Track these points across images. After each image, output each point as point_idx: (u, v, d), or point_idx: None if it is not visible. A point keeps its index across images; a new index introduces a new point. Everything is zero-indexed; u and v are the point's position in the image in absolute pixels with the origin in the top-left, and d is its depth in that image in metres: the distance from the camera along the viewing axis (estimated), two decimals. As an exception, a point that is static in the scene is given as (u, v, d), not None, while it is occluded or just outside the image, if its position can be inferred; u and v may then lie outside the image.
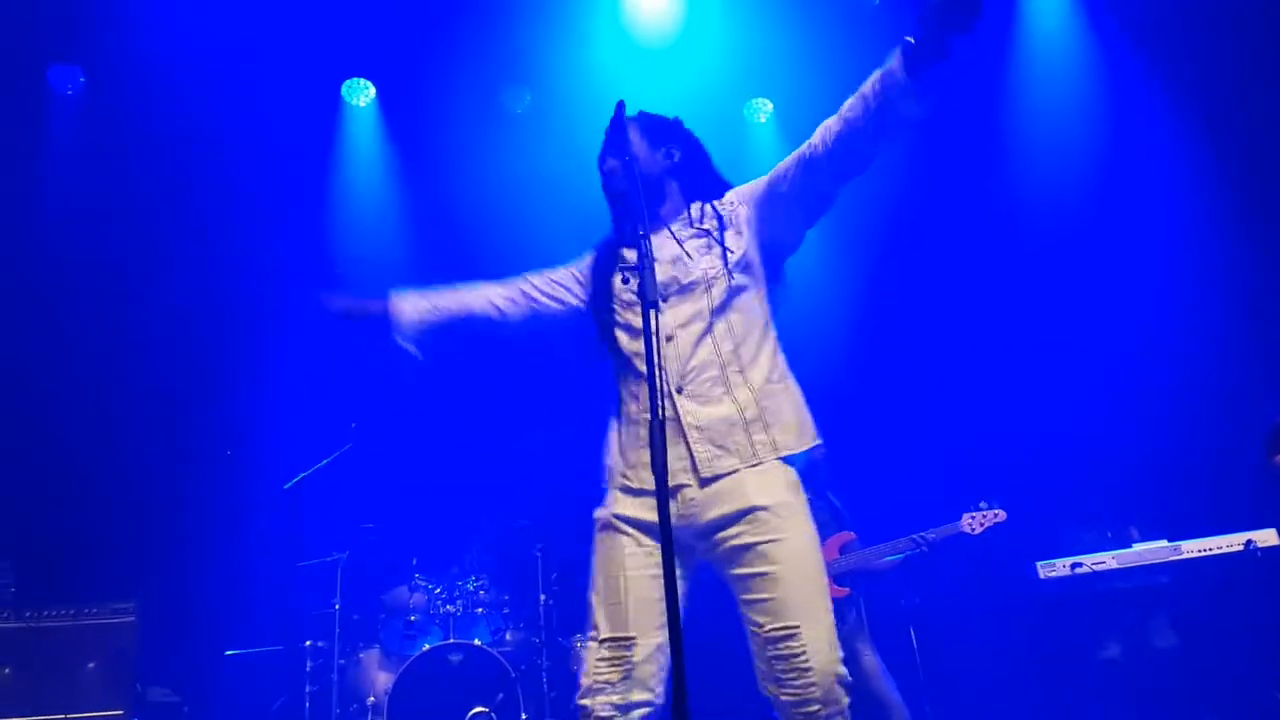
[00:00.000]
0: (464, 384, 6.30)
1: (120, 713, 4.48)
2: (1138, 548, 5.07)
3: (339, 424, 5.53)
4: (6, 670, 4.54)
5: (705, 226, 2.70)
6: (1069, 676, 5.37)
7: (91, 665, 4.61)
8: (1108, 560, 5.06)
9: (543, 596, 5.39)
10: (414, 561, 5.45)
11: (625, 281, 2.66)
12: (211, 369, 6.09)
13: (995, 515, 4.62)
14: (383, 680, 5.10)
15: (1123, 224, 6.35)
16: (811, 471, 4.76)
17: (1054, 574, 5.11)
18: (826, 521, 4.75)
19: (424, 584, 5.37)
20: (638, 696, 2.45)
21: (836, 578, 4.59)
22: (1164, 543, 5.03)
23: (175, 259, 6.10)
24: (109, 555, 5.25)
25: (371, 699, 5.04)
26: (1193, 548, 4.93)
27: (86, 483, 5.61)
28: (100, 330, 5.94)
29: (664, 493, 2.09)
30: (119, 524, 5.53)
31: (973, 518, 4.61)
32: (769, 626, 2.40)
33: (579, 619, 5.75)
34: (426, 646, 4.97)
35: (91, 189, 6.03)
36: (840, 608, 4.57)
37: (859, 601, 4.68)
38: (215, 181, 6.18)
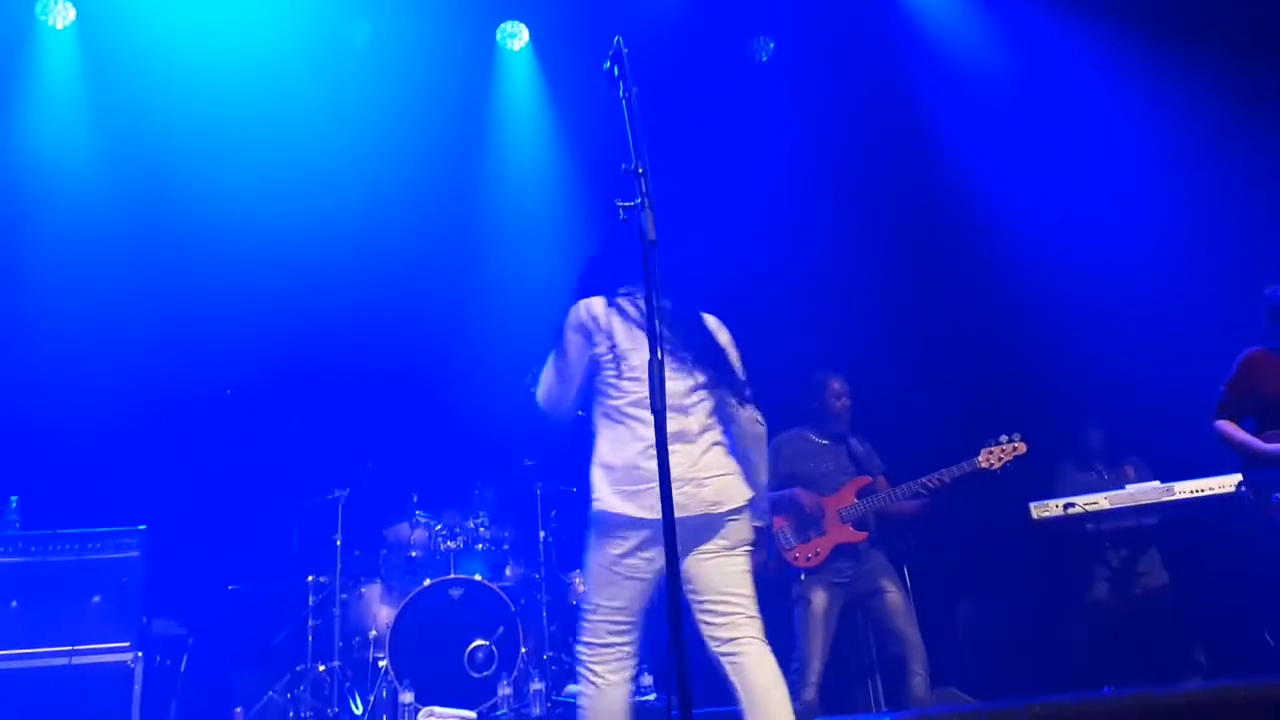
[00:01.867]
0: (466, 324, 6.29)
1: (128, 644, 4.55)
2: (1131, 489, 5.11)
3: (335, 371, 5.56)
4: (14, 603, 4.60)
5: None
6: (1061, 615, 5.45)
7: (97, 599, 4.66)
8: (1101, 501, 5.11)
9: (542, 533, 5.47)
10: (414, 499, 5.50)
11: (624, 221, 2.59)
12: (213, 308, 6.07)
13: (1015, 448, 4.53)
14: (384, 614, 5.18)
15: (1120, 164, 6.32)
16: (833, 420, 4.81)
17: (1047, 514, 5.16)
18: (844, 466, 4.77)
19: (425, 521, 5.43)
20: None
21: (855, 522, 4.62)
22: (1156, 484, 5.08)
23: (178, 199, 6.05)
24: (113, 491, 5.29)
25: (374, 632, 5.13)
26: (1185, 489, 4.98)
27: (91, 421, 5.63)
28: (103, 268, 5.91)
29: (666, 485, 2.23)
30: (123, 460, 5.55)
31: (990, 452, 4.53)
32: None
33: (577, 555, 5.84)
34: (428, 581, 5.04)
35: (91, 126, 5.99)
36: (858, 551, 4.62)
37: (879, 543, 4.73)
38: (206, 127, 6.11)
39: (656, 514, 2.70)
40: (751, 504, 3.02)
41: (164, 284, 5.96)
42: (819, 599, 4.54)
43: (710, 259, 6.34)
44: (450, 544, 5.32)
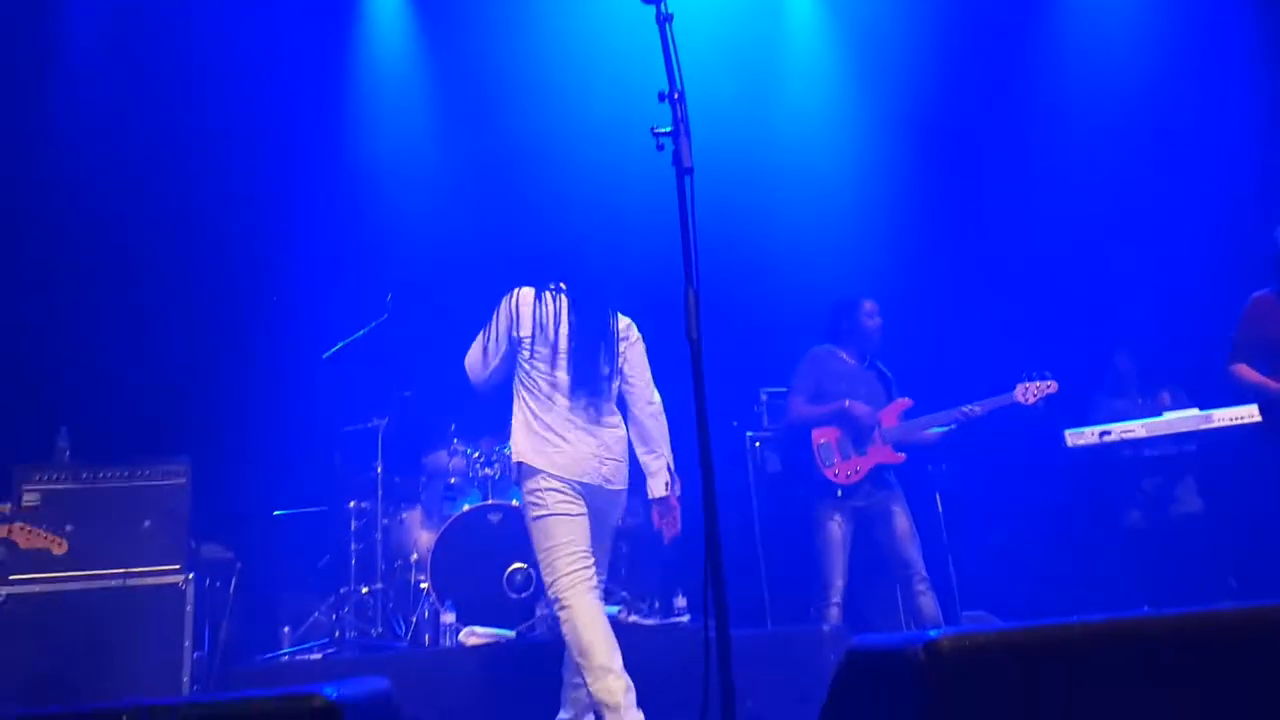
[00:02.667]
0: (502, 254, 6.31)
1: (178, 567, 4.70)
2: (1168, 416, 5.09)
3: (376, 296, 5.60)
4: (69, 528, 4.75)
5: None
6: (1094, 541, 5.47)
7: (147, 524, 4.80)
8: (1137, 429, 5.09)
9: (577, 461, 5.54)
10: (452, 427, 5.58)
11: (660, 148, 2.61)
12: (253, 238, 6.13)
13: (1048, 386, 4.61)
14: (425, 539, 5.31)
15: (1161, 82, 6.15)
16: (863, 341, 4.81)
17: (1082, 442, 5.16)
18: (878, 390, 4.78)
19: (462, 449, 5.52)
20: None
21: (895, 444, 4.66)
22: (1195, 411, 5.05)
23: (213, 132, 6.07)
24: (159, 421, 5.41)
25: (415, 556, 5.27)
26: (1224, 416, 4.94)
27: (136, 352, 5.73)
28: (147, 202, 5.96)
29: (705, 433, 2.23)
30: (169, 391, 5.66)
31: (1026, 388, 4.60)
32: None
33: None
34: (466, 507, 5.13)
35: (121, 64, 5.99)
36: (886, 475, 4.67)
37: (899, 468, 4.76)
38: (242, 56, 6.08)
39: (561, 471, 3.47)
40: (659, 472, 3.58)
41: (204, 218, 6.01)
42: (841, 521, 4.59)
43: (743, 181, 6.31)
44: (487, 471, 5.40)
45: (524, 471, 3.53)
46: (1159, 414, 5.15)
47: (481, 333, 3.69)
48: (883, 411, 4.69)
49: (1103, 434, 5.12)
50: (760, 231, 6.52)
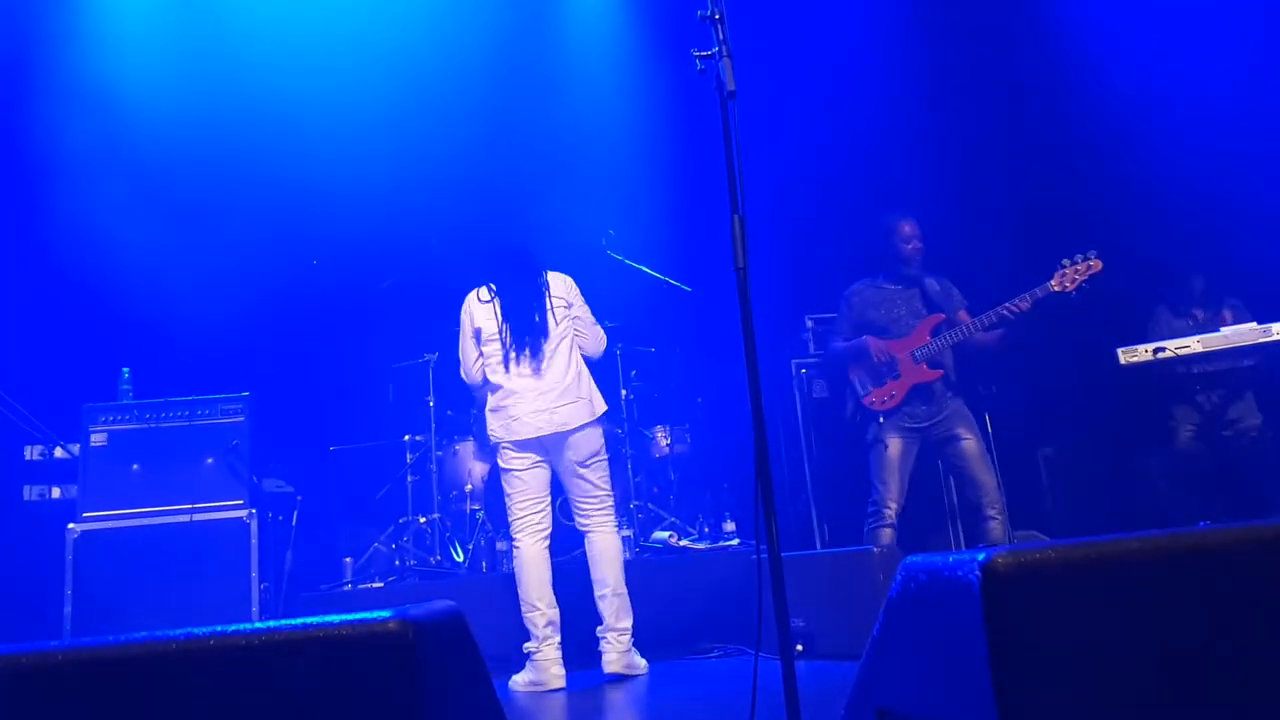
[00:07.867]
0: (545, 188, 6.29)
1: (242, 502, 4.85)
2: (1225, 331, 4.98)
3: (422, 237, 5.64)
4: (135, 467, 4.91)
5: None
6: (1149, 459, 5.40)
7: (210, 461, 4.94)
8: (1192, 344, 4.99)
9: (624, 391, 5.63)
10: (501, 360, 5.64)
11: (700, 71, 2.53)
12: (304, 184, 6.16)
13: (1090, 266, 4.19)
14: (479, 469, 5.42)
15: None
16: (904, 264, 4.69)
17: (1135, 360, 5.06)
18: (916, 309, 4.69)
19: (511, 381, 5.58)
20: None
21: (929, 361, 4.55)
22: (1253, 325, 4.93)
23: (272, 81, 6.08)
24: (218, 360, 5.52)
25: (469, 486, 5.40)
26: (1282, 330, 4.83)
27: (194, 294, 5.82)
28: (208, 143, 6.01)
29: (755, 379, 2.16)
30: (227, 331, 5.76)
31: (1063, 274, 4.22)
32: None
33: (658, 411, 5.99)
34: (518, 438, 5.22)
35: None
36: (934, 394, 4.59)
37: (956, 385, 4.65)
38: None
39: (518, 436, 4.08)
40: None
41: (258, 162, 6.05)
42: (894, 443, 4.53)
43: (788, 103, 6.19)
44: (536, 402, 5.47)
45: (496, 443, 4.19)
46: (1218, 330, 5.03)
47: (459, 344, 4.32)
48: (906, 338, 4.57)
49: (1157, 351, 5.02)
50: (808, 155, 6.40)
